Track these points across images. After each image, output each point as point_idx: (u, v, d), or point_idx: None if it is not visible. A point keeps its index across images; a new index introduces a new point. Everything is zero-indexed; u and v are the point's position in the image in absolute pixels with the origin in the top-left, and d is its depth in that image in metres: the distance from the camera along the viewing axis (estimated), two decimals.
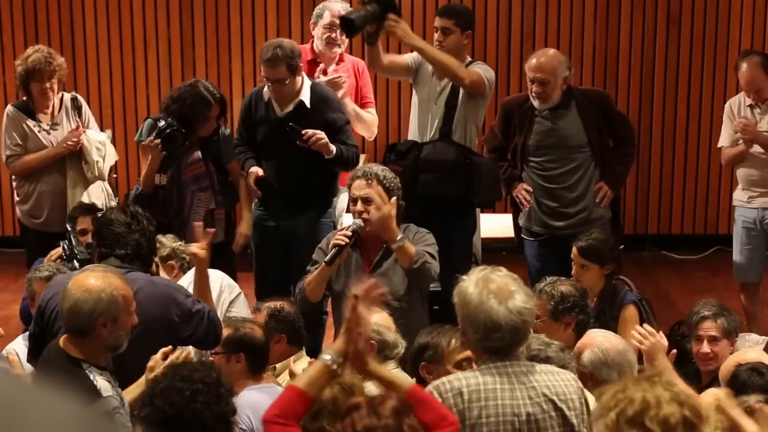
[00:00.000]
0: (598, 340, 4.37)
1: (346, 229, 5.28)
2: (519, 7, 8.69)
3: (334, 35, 6.51)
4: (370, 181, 5.28)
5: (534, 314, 3.56)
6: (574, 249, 5.56)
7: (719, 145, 6.88)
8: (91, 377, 3.74)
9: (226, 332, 4.54)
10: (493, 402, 3.34)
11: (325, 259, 5.23)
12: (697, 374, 5.04)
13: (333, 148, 6.02)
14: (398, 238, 5.13)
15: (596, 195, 6.27)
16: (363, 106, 6.76)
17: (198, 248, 4.75)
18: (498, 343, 3.38)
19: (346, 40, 6.59)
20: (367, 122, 6.80)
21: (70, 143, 6.32)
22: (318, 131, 5.95)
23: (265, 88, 6.14)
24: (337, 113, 6.17)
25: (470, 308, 3.39)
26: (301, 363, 4.85)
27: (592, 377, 4.24)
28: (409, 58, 6.29)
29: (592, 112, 6.21)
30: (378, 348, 4.49)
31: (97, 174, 6.44)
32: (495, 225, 7.84)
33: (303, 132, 5.94)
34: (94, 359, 3.83)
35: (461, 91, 6.14)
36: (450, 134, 6.17)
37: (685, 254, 8.85)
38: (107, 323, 3.79)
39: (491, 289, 3.38)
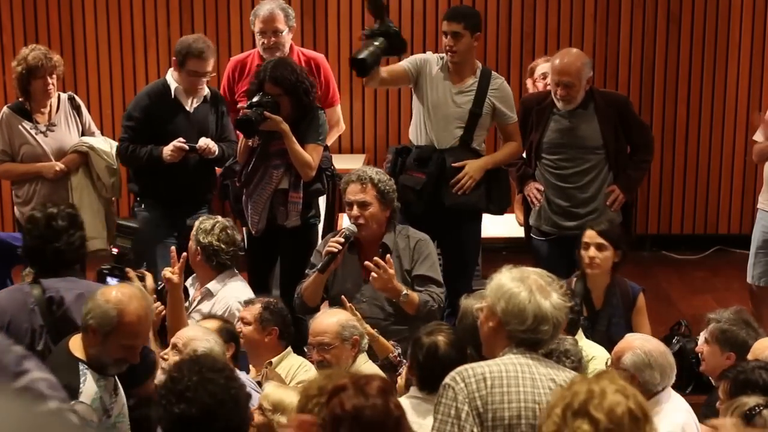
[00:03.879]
0: (638, 343, 4.42)
1: (339, 235, 5.28)
2: (519, 7, 8.69)
3: (265, 40, 6.44)
4: (364, 185, 5.27)
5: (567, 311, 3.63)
6: (589, 232, 5.59)
7: (753, 138, 6.73)
8: (82, 378, 3.74)
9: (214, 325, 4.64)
10: (515, 389, 3.38)
11: (318, 267, 5.24)
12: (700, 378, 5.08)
13: (216, 149, 6.16)
14: (402, 293, 5.14)
15: (608, 198, 6.25)
16: (332, 104, 6.67)
17: (171, 272, 4.74)
18: (542, 335, 3.45)
19: (287, 41, 6.48)
20: (333, 135, 6.78)
21: (58, 169, 6.27)
22: (206, 141, 6.10)
23: (174, 86, 6.24)
24: (224, 106, 6.37)
25: (517, 300, 3.44)
26: (288, 360, 4.91)
27: (634, 379, 4.27)
28: (407, 64, 6.22)
29: (610, 116, 6.18)
30: (360, 340, 4.59)
31: (112, 195, 6.45)
32: (495, 225, 7.84)
33: (197, 147, 6.07)
34: (96, 360, 3.84)
35: (486, 101, 6.14)
36: (470, 141, 6.15)
37: (685, 254, 8.85)
38: (95, 332, 3.81)
39: (534, 285, 3.47)
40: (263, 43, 6.44)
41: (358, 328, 4.63)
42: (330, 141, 6.81)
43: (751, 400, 3.74)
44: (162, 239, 6.17)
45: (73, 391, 3.65)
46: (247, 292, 5.40)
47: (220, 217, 5.50)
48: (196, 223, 5.41)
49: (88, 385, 3.73)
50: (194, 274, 5.53)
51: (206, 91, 6.28)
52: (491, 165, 6.13)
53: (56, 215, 4.36)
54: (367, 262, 5.10)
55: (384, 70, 6.18)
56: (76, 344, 3.86)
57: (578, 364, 4.30)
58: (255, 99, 5.74)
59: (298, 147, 5.78)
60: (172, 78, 6.26)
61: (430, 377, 3.93)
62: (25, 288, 4.28)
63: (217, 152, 6.17)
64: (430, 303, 5.19)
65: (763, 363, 4.19)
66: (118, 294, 3.83)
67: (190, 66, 6.15)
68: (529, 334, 3.45)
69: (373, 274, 5.07)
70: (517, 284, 3.47)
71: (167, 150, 6.07)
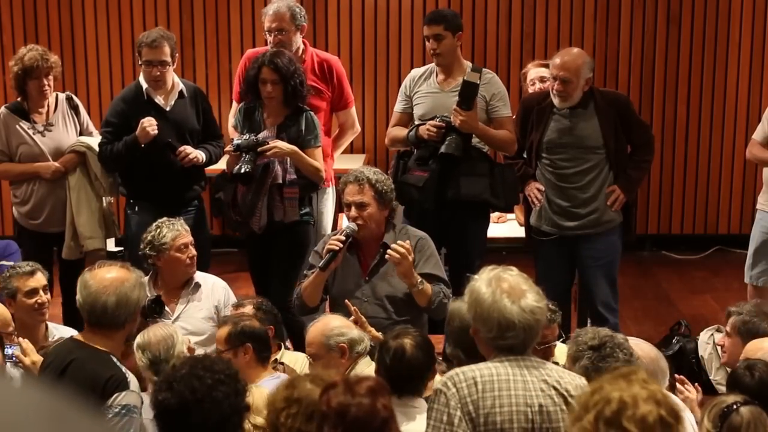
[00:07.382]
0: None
1: (340, 234, 5.29)
2: (519, 7, 8.69)
3: (271, 38, 6.40)
4: (362, 186, 5.26)
5: (545, 313, 3.55)
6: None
7: (753, 136, 6.69)
8: (123, 368, 3.83)
9: (224, 330, 4.59)
10: (506, 392, 3.34)
11: (319, 265, 5.24)
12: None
13: (201, 157, 6.16)
14: (418, 281, 5.12)
15: (608, 198, 6.24)
16: (346, 106, 6.67)
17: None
18: (511, 341, 3.40)
19: (294, 41, 6.43)
20: (347, 138, 6.81)
21: (54, 169, 6.25)
22: (188, 149, 6.11)
23: (145, 86, 6.20)
24: (206, 103, 6.38)
25: (483, 307, 3.40)
26: (287, 356, 4.98)
27: None
28: (402, 105, 6.28)
29: (610, 115, 6.15)
30: (349, 347, 4.55)
31: (109, 194, 6.44)
32: (495, 225, 7.83)
33: (178, 151, 6.08)
34: (116, 353, 3.92)
35: (478, 96, 6.14)
36: (470, 139, 6.16)
37: (685, 254, 8.85)
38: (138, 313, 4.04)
39: (504, 288, 3.40)
40: (270, 41, 6.46)
41: (345, 335, 4.57)
42: (346, 144, 6.84)
43: (729, 398, 3.74)
44: None
45: (122, 382, 3.75)
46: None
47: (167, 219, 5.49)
48: (177, 234, 5.37)
49: (130, 375, 3.82)
50: (149, 276, 5.41)
51: (180, 86, 6.25)
52: (481, 131, 6.04)
53: None
54: (393, 245, 5.09)
55: (392, 134, 6.28)
56: (92, 341, 3.90)
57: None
58: (242, 141, 5.78)
59: (307, 159, 5.84)
60: (143, 79, 6.26)
61: (397, 380, 3.89)
62: None
63: (203, 159, 6.19)
64: (441, 296, 5.18)
65: (752, 362, 4.20)
66: (120, 273, 3.99)
67: (144, 56, 6.16)
68: (498, 341, 3.40)
69: (393, 254, 5.07)
70: (486, 289, 3.41)
71: (140, 131, 6.03)
